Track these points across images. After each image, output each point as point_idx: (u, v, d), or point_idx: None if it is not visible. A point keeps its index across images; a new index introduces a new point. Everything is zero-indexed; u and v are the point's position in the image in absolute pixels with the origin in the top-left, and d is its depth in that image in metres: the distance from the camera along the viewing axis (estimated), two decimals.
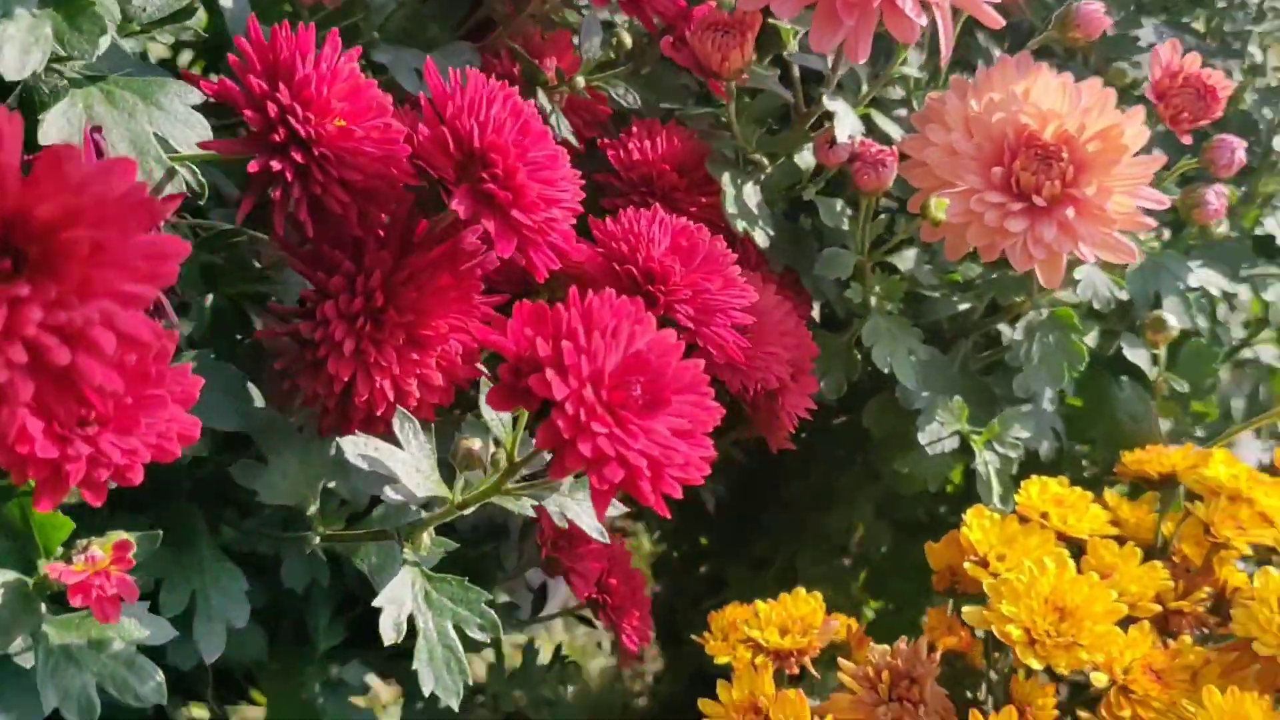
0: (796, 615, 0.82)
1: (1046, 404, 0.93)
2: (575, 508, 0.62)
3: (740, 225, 0.80)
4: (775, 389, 0.84)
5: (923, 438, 0.90)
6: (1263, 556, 0.87)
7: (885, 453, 0.95)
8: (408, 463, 0.61)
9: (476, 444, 0.60)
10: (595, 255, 0.68)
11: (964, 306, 0.95)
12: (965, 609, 0.77)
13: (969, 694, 0.81)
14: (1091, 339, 0.95)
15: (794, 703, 0.76)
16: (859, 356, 0.92)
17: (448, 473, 0.62)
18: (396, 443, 0.61)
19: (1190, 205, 0.83)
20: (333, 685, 0.91)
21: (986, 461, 0.89)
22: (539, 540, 0.86)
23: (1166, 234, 1.00)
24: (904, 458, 0.93)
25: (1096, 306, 0.88)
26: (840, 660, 0.79)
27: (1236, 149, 0.88)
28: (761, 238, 0.82)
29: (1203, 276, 0.92)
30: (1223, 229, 0.93)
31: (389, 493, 0.61)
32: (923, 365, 0.93)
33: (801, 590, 0.83)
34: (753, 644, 0.82)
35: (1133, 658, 0.76)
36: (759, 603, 0.83)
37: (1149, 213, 0.76)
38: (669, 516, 0.53)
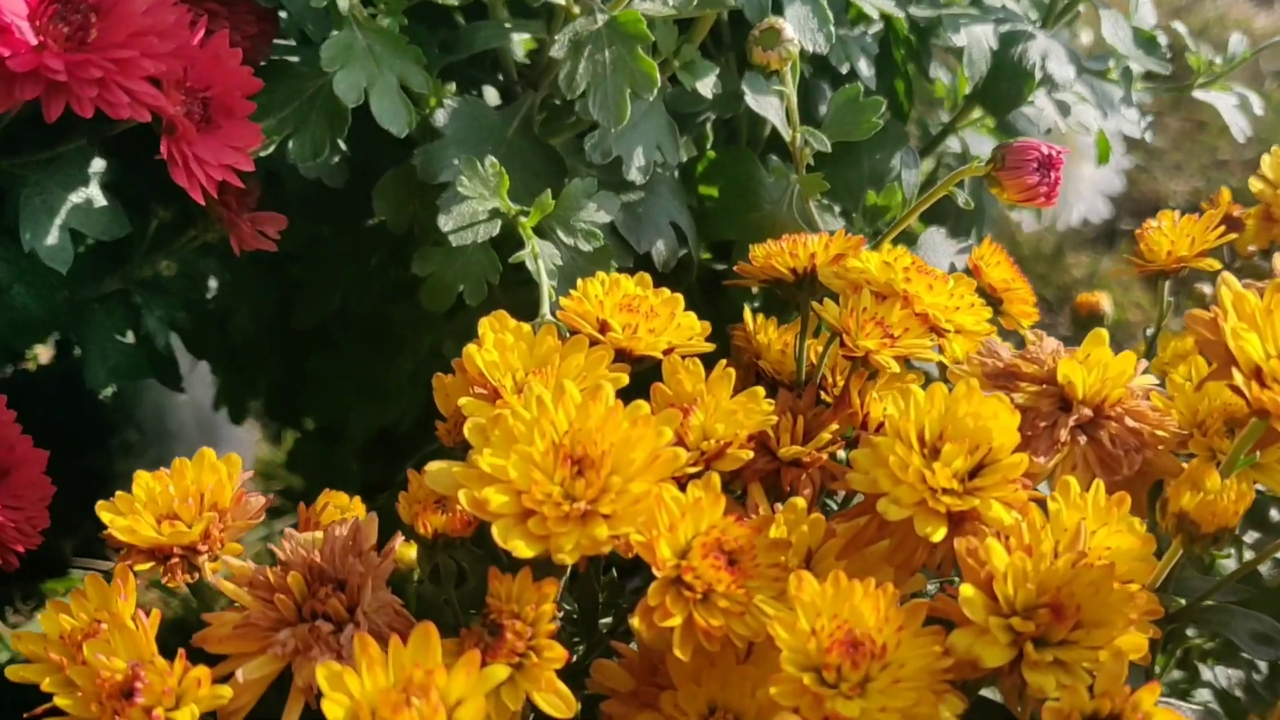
0: (196, 491, 0.52)
1: (635, 173, 0.63)
2: None
3: None
4: (173, 131, 0.52)
5: (445, 222, 0.60)
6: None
7: (412, 254, 0.65)
8: None
9: None
10: None
11: (523, 37, 0.64)
12: (430, 467, 0.48)
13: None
14: (707, 88, 0.66)
15: (134, 635, 0.45)
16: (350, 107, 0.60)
17: None
18: None
19: None
20: None
21: (538, 254, 0.59)
22: None
23: None
24: (425, 257, 0.62)
25: (671, 7, 0.58)
26: (228, 558, 0.49)
27: None
28: None
29: None
30: None
31: None
32: (456, 120, 0.63)
33: (210, 453, 0.52)
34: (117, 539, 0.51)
35: (692, 533, 0.47)
36: (143, 474, 0.52)
37: None
38: None
